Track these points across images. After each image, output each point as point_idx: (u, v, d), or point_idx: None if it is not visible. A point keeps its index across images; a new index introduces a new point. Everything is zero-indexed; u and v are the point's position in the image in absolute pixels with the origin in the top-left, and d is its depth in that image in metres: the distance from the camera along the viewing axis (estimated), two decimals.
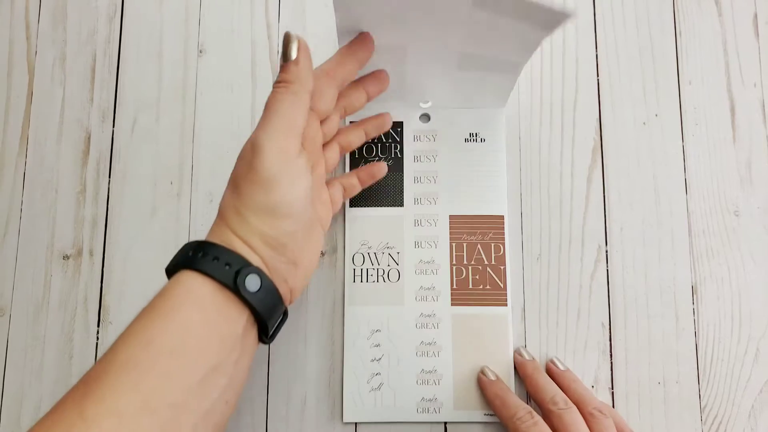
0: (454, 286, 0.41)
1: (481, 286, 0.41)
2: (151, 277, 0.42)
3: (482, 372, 0.39)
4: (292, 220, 0.32)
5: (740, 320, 0.41)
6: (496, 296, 0.41)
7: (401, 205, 0.42)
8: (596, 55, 0.45)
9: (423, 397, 0.40)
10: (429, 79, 0.41)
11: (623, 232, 0.43)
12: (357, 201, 0.42)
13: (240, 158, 0.32)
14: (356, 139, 0.40)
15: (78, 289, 0.42)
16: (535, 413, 0.36)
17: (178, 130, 0.44)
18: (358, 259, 0.42)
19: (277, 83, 0.32)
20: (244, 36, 0.46)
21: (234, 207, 0.31)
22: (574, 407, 0.36)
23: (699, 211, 0.43)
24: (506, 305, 0.41)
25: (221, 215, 0.32)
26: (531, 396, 0.39)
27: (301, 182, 0.32)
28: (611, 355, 0.41)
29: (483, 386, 0.39)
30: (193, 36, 0.46)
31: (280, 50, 0.33)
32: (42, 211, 0.43)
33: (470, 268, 0.41)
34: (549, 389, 0.37)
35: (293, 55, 0.32)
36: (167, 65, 0.45)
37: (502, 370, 0.40)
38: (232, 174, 0.32)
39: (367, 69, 0.39)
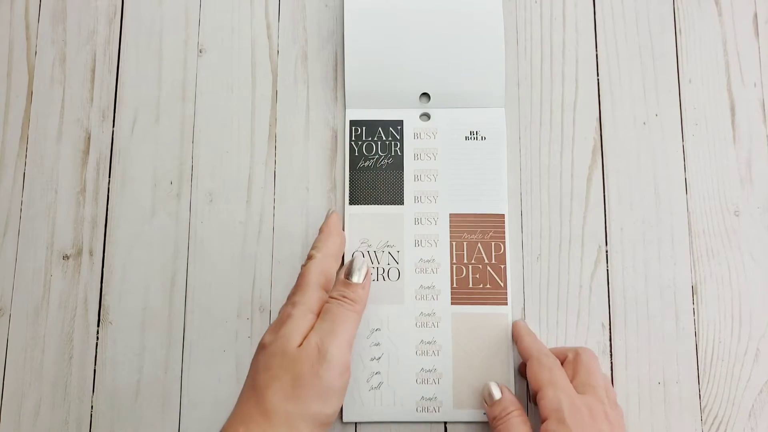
0: (455, 285, 0.41)
1: (481, 285, 0.41)
2: (151, 277, 0.42)
3: (487, 392, 0.38)
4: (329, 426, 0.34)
5: (740, 320, 0.41)
6: (496, 295, 0.41)
7: (401, 203, 0.42)
8: (596, 55, 0.45)
9: (423, 396, 0.40)
10: (427, 67, 0.41)
11: (623, 232, 0.43)
12: (356, 199, 0.42)
13: (302, 359, 0.33)
14: None
15: (78, 289, 0.42)
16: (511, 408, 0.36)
17: (178, 130, 0.44)
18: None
19: (343, 298, 0.35)
20: (244, 36, 0.46)
21: (287, 414, 0.31)
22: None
23: (699, 211, 0.43)
24: (506, 304, 0.41)
25: (268, 416, 0.32)
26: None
27: (344, 395, 0.34)
28: (611, 355, 0.41)
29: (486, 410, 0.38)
30: (193, 36, 0.46)
31: (348, 268, 0.37)
32: (42, 211, 0.43)
33: (470, 267, 0.41)
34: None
35: (361, 279, 0.36)
36: (167, 65, 0.45)
37: (502, 370, 0.40)
38: (285, 371, 0.32)
39: (366, 67, 0.39)
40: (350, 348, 0.34)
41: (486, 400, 0.38)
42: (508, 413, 0.36)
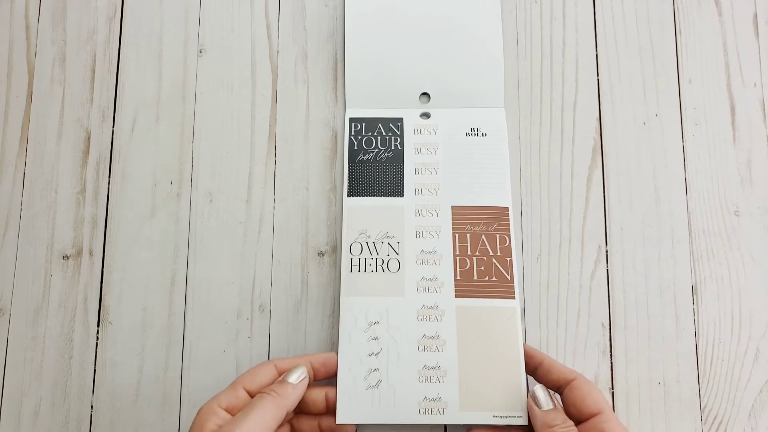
0: (458, 278, 0.40)
1: (486, 278, 0.39)
2: (151, 277, 0.42)
3: (534, 397, 0.36)
4: None
5: (740, 320, 0.41)
6: (502, 288, 0.39)
7: (401, 195, 0.41)
8: (596, 55, 0.45)
9: (426, 396, 0.37)
10: (426, 64, 0.41)
11: (623, 232, 0.43)
12: (355, 191, 0.41)
13: None
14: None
15: (78, 289, 0.42)
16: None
17: (178, 130, 0.44)
18: (356, 248, 0.40)
19: (271, 390, 0.35)
20: (244, 36, 0.46)
21: None
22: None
23: (699, 211, 0.43)
24: (514, 298, 0.39)
25: None
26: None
27: None
28: (611, 355, 0.41)
29: (532, 415, 0.36)
30: (193, 36, 0.46)
31: (289, 371, 0.36)
32: (42, 211, 0.43)
33: (474, 259, 0.40)
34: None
35: (296, 380, 0.36)
36: (167, 65, 0.45)
37: (511, 367, 0.38)
38: None
39: (361, 72, 0.39)
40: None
41: (537, 404, 0.36)
42: (567, 427, 0.34)
